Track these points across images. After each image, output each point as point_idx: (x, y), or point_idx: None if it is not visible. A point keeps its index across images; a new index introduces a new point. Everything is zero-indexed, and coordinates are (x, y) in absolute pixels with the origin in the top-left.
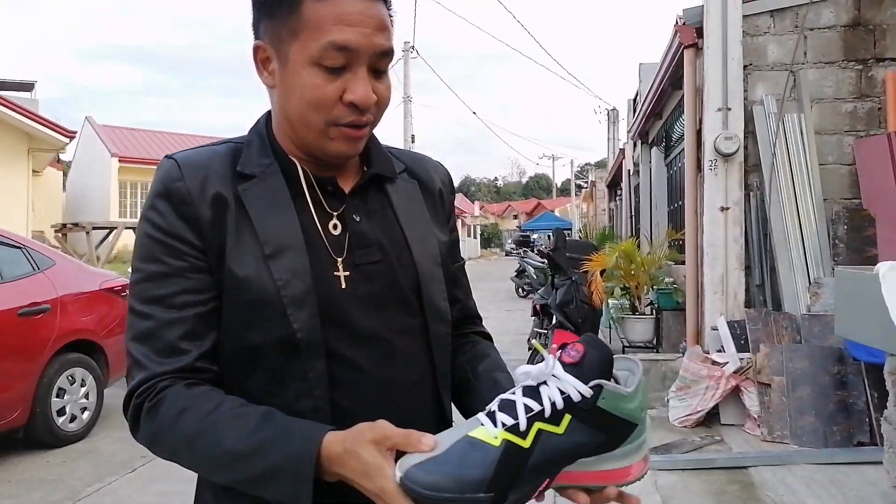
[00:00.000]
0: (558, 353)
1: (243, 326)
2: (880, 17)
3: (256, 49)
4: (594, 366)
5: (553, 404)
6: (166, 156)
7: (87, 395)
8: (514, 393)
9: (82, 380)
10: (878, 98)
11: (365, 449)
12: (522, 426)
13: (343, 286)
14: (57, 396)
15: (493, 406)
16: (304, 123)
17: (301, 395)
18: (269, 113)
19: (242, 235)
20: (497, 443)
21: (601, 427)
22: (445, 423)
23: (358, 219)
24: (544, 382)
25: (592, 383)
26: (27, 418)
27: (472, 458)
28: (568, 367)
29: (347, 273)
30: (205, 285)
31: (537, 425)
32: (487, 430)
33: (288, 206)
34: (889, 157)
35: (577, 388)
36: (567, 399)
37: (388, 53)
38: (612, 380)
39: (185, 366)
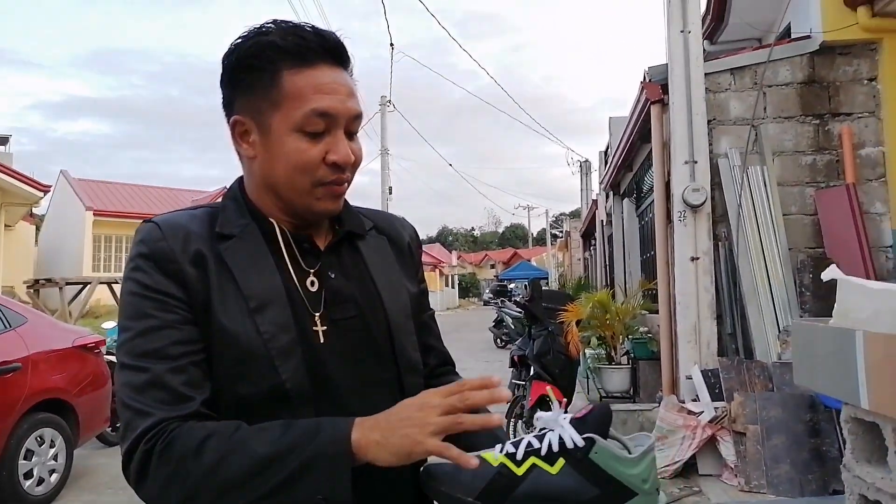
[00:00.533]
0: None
1: (232, 379)
2: (833, 75)
3: (235, 123)
4: (594, 423)
5: (549, 446)
6: (144, 220)
7: (55, 457)
8: (527, 434)
9: (51, 441)
10: (836, 151)
11: (405, 400)
12: (519, 456)
13: (322, 340)
14: (25, 458)
15: (509, 441)
16: (290, 187)
17: None
18: (241, 179)
19: (226, 291)
20: (495, 463)
21: (594, 481)
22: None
23: (333, 275)
24: (551, 429)
25: (585, 436)
26: None
27: (472, 470)
28: (573, 421)
29: (325, 328)
30: (195, 337)
31: (532, 459)
32: (492, 453)
33: (268, 263)
34: (849, 208)
35: (572, 437)
36: (562, 444)
37: (359, 116)
38: (610, 440)
39: (191, 413)
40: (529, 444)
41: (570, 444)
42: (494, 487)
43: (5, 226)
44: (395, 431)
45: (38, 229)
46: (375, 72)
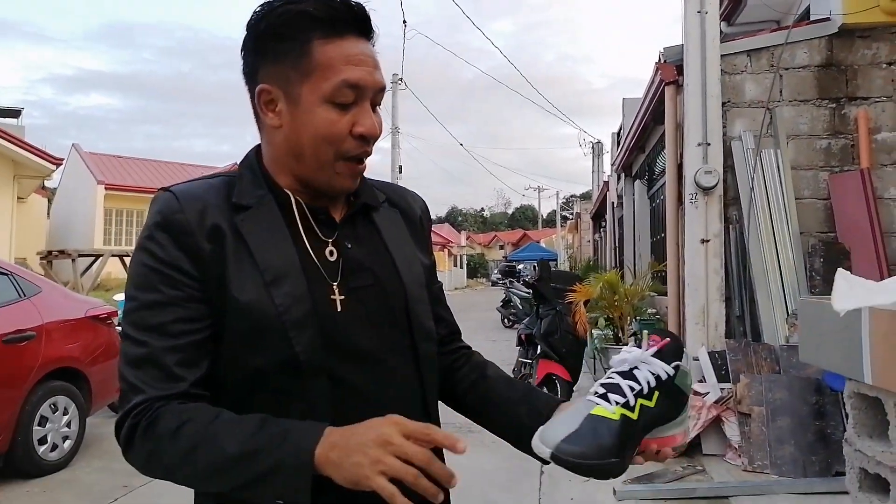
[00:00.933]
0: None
1: (247, 351)
2: (851, 59)
3: (261, 92)
4: (672, 352)
5: (648, 383)
6: (162, 188)
7: (69, 424)
8: (611, 378)
9: (65, 408)
10: (851, 135)
11: (373, 421)
12: (631, 402)
13: (339, 309)
14: (39, 425)
15: (599, 389)
16: (315, 157)
17: (305, 415)
18: (257, 148)
19: (242, 264)
20: (616, 416)
21: (674, 399)
22: None
23: (350, 245)
24: (636, 367)
25: (673, 364)
26: (8, 447)
27: (601, 431)
28: (656, 355)
29: (343, 297)
30: (199, 314)
31: (640, 401)
32: (606, 408)
33: (284, 235)
34: (862, 193)
35: (665, 370)
36: (658, 378)
37: (383, 89)
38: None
39: (179, 392)
40: (632, 388)
41: (664, 377)
42: (624, 439)
43: (18, 198)
44: (350, 457)
45: (49, 202)
46: (387, 49)
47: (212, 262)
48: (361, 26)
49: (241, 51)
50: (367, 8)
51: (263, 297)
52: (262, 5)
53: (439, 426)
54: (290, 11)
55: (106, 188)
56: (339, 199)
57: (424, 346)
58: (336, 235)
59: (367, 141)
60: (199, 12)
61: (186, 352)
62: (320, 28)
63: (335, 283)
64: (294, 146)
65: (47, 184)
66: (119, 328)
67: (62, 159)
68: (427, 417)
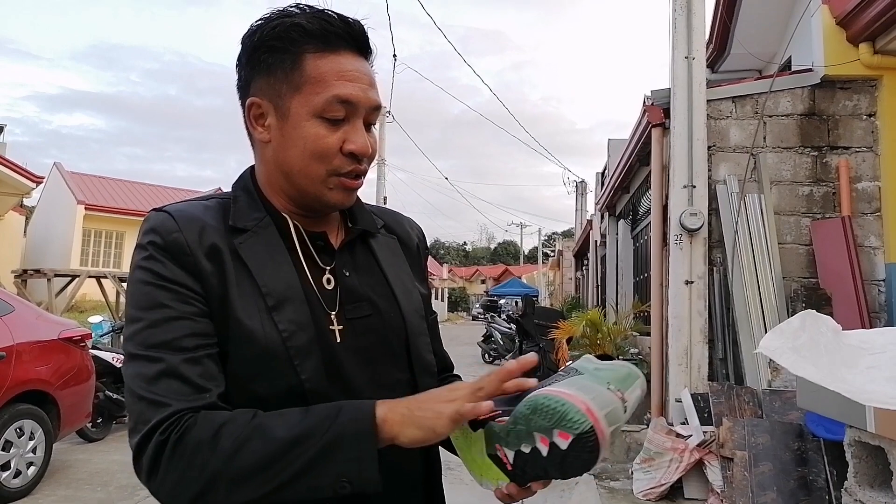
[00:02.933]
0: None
1: (249, 378)
2: (833, 109)
3: (251, 105)
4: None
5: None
6: (155, 209)
7: (34, 450)
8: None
9: (31, 433)
10: (833, 183)
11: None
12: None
13: (338, 340)
14: (3, 450)
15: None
16: (305, 174)
17: None
18: (251, 169)
19: (243, 287)
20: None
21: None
22: (434, 471)
23: (348, 273)
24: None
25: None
26: None
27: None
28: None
29: (341, 327)
30: (211, 330)
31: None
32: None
33: (285, 259)
34: (844, 240)
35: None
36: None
37: (378, 108)
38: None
39: (208, 404)
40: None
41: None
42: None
43: None
44: (421, 405)
45: (27, 220)
46: (377, 82)
47: (214, 282)
48: (358, 43)
49: (236, 65)
50: (365, 26)
51: (267, 322)
52: (258, 19)
53: (439, 464)
54: (284, 24)
55: (86, 208)
56: (335, 225)
57: (424, 381)
58: (334, 263)
59: (359, 159)
60: (187, 37)
61: (205, 365)
62: (313, 42)
63: (333, 313)
64: (283, 162)
65: (26, 202)
66: (93, 351)
67: (43, 177)
68: (426, 456)
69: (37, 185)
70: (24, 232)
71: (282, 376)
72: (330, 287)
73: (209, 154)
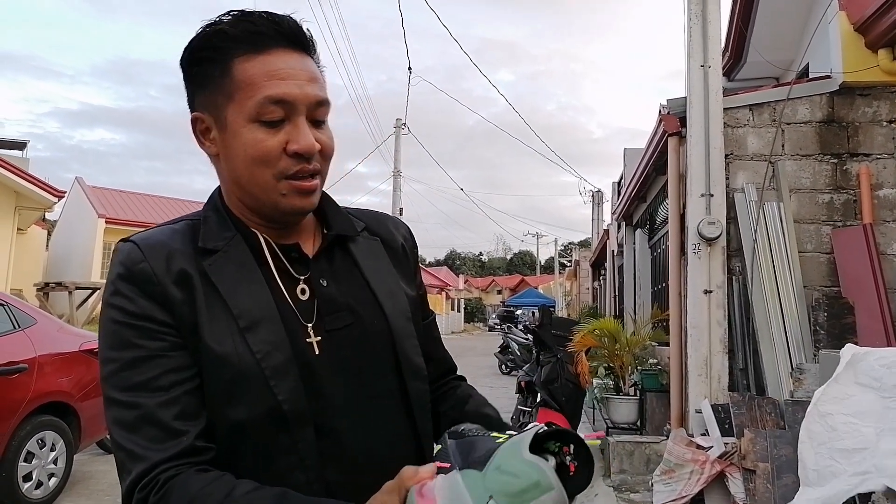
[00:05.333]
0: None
1: (225, 403)
2: (852, 116)
3: (195, 121)
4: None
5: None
6: (122, 240)
7: (55, 461)
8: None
9: (53, 444)
10: (854, 191)
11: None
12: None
13: (316, 353)
14: (24, 461)
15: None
16: (254, 182)
17: (293, 468)
18: (219, 188)
19: (214, 311)
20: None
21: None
22: None
23: (325, 283)
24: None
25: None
26: None
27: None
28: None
29: (319, 339)
30: (186, 363)
31: None
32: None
33: (256, 277)
34: (866, 248)
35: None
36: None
37: (323, 103)
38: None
39: (184, 449)
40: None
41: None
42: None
43: (17, 229)
44: None
45: (49, 234)
46: (392, 94)
47: (183, 309)
48: (291, 39)
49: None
50: (298, 20)
51: (240, 345)
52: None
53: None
54: (208, 33)
55: (107, 222)
56: (310, 234)
57: (414, 386)
58: (309, 273)
59: (307, 158)
60: None
61: (182, 404)
62: (241, 46)
63: (310, 325)
64: (232, 173)
65: (48, 216)
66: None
67: (64, 192)
68: (422, 463)
69: (58, 200)
70: (46, 246)
71: (259, 399)
72: (305, 298)
73: None
